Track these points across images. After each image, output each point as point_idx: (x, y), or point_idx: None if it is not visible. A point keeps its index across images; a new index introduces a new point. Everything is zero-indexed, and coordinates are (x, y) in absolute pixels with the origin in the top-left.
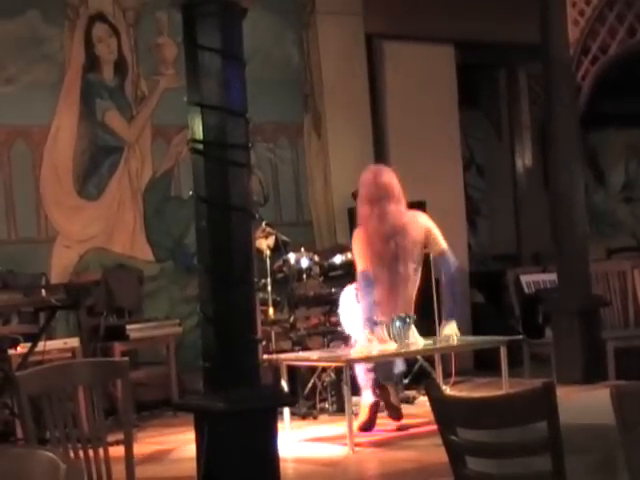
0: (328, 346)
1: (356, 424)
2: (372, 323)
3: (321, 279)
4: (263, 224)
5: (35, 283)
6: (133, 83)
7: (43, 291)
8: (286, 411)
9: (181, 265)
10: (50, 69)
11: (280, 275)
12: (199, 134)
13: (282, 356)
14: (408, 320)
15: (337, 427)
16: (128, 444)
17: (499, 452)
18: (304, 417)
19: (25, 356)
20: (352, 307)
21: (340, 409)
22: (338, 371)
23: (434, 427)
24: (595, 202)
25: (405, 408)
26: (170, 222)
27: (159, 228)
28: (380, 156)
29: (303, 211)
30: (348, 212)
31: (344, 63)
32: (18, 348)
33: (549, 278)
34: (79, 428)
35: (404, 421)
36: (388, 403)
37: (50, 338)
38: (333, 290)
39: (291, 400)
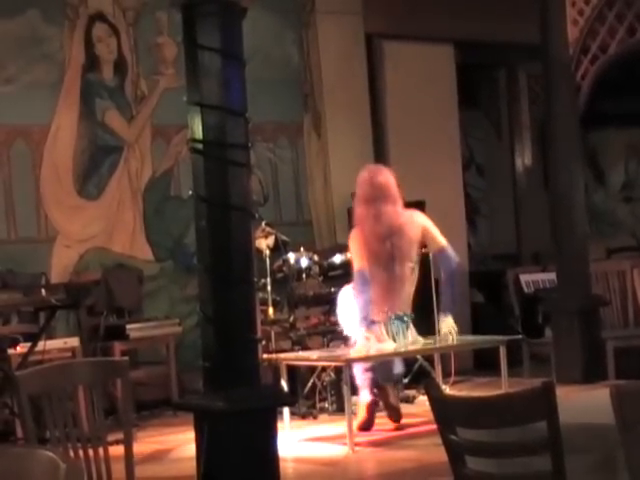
0: (328, 346)
1: (355, 424)
2: (368, 322)
3: (321, 279)
4: (263, 224)
5: (35, 283)
6: (133, 83)
7: (43, 291)
8: (286, 411)
9: (181, 265)
10: (50, 69)
11: (280, 275)
12: (199, 134)
13: (282, 356)
14: (406, 319)
15: (337, 427)
16: (128, 443)
17: (499, 452)
18: (304, 417)
19: (25, 356)
20: (350, 307)
21: (340, 409)
22: (338, 371)
23: (434, 427)
24: (595, 202)
25: (405, 407)
26: (170, 222)
27: (159, 228)
28: (380, 156)
29: (303, 211)
30: (348, 212)
31: (344, 63)
32: (18, 348)
33: (549, 278)
34: (79, 428)
35: (403, 421)
36: (387, 404)
37: (50, 338)
38: (333, 290)
39: (291, 400)
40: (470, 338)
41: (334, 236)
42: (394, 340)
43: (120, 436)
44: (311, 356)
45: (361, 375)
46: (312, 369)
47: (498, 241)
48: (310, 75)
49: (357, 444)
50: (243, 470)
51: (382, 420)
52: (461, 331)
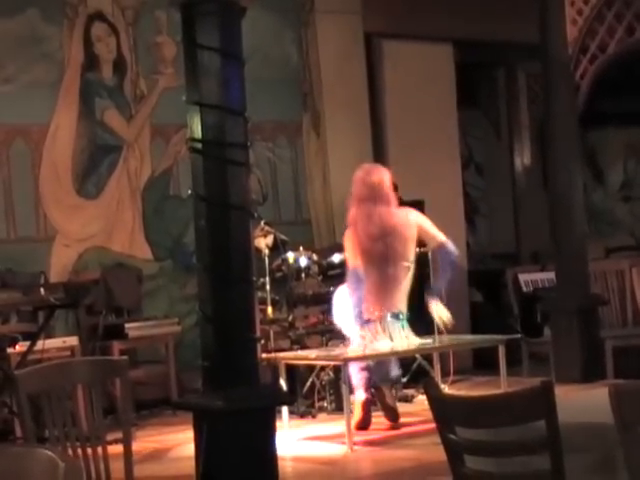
0: (327, 345)
1: (352, 423)
2: (363, 320)
3: (320, 278)
4: (262, 223)
5: (34, 282)
6: (132, 82)
7: (42, 290)
8: (285, 410)
9: (180, 264)
10: (49, 68)
11: (279, 274)
12: (198, 133)
13: (281, 355)
14: (402, 316)
15: (335, 426)
16: (127, 443)
17: (498, 451)
18: (303, 416)
19: (24, 355)
20: (345, 306)
21: (339, 408)
22: (337, 370)
23: (432, 426)
24: (594, 201)
25: (403, 406)
26: (169, 221)
27: (158, 227)
28: (379, 155)
29: (302, 210)
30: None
31: (343, 62)
32: (17, 347)
33: (548, 277)
34: (78, 427)
35: (402, 420)
36: (384, 404)
37: (49, 337)
38: (332, 289)
39: (290, 399)
40: (469, 337)
41: (333, 235)
42: (391, 339)
43: (119, 435)
44: (310, 355)
45: (357, 374)
46: (311, 368)
47: (497, 240)
48: (309, 74)
49: (356, 443)
50: (242, 469)
51: (380, 419)
52: (460, 330)
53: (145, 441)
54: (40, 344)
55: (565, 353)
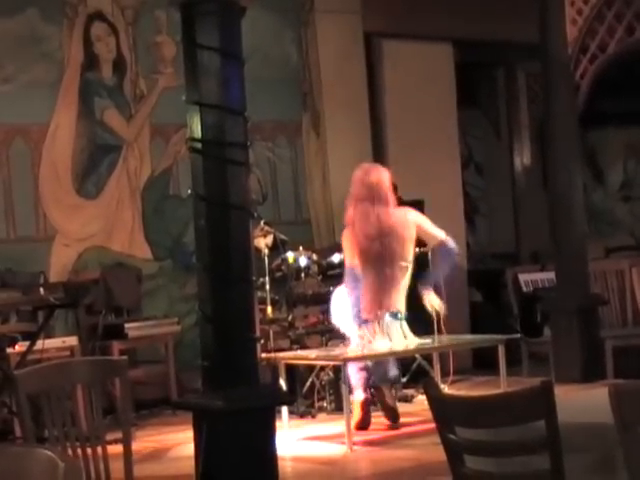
0: (326, 345)
1: (352, 423)
2: (361, 319)
3: (319, 278)
4: (262, 223)
5: (34, 282)
6: (132, 82)
7: (42, 290)
8: (284, 410)
9: (180, 264)
10: (49, 68)
11: (278, 274)
12: (198, 133)
13: (280, 355)
14: (400, 316)
15: (335, 426)
16: (127, 443)
17: (497, 451)
18: (302, 416)
19: (24, 355)
20: (344, 306)
21: (338, 408)
22: (336, 370)
23: (432, 426)
24: (594, 201)
25: (403, 406)
26: (169, 221)
27: (158, 227)
28: (379, 155)
29: (302, 210)
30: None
31: (343, 61)
32: (17, 347)
33: (547, 277)
34: (78, 427)
35: (402, 420)
36: (384, 404)
37: (49, 337)
38: (331, 289)
39: (289, 399)
40: (469, 337)
41: (333, 235)
42: (389, 338)
43: (119, 435)
44: (309, 355)
45: (355, 374)
46: (311, 368)
47: (497, 240)
48: (309, 74)
49: (355, 443)
50: (242, 469)
51: (380, 419)
52: (460, 330)
53: (145, 441)
54: (40, 344)
55: (565, 353)
